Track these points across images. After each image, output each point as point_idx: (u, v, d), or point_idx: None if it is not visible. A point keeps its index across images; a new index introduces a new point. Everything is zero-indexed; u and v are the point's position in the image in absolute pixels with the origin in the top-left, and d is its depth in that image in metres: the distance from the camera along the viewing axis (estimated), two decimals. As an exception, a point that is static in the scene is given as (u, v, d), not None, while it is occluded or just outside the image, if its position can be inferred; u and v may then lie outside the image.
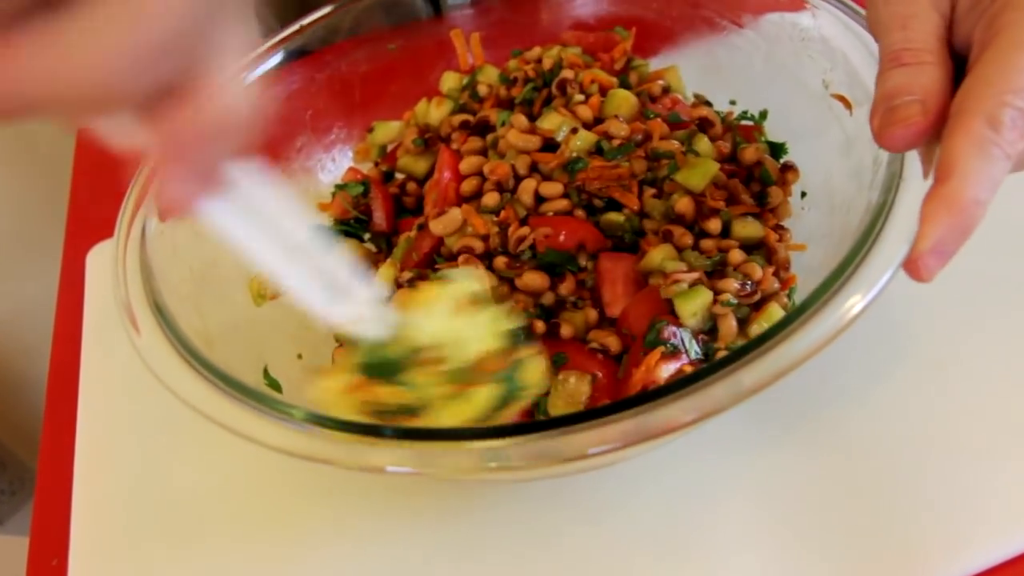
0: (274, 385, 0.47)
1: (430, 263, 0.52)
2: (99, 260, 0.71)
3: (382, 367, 0.35)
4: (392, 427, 0.36)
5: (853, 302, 0.35)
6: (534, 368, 0.38)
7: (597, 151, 0.52)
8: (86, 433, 0.58)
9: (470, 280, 0.39)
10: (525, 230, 0.49)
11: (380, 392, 0.35)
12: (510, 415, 0.37)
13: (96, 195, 0.81)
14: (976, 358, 0.50)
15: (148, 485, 0.54)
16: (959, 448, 0.46)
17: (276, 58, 0.60)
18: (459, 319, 0.37)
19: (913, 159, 0.39)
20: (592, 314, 0.49)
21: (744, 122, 0.58)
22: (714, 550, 0.45)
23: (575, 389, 0.45)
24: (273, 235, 0.32)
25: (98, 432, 0.58)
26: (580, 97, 0.55)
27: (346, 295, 0.34)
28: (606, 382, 0.46)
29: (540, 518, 0.47)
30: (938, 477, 0.45)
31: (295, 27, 0.60)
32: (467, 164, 0.54)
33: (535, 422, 0.35)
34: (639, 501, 0.47)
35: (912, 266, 0.33)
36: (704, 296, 0.45)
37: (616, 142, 0.52)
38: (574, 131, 0.52)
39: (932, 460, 0.46)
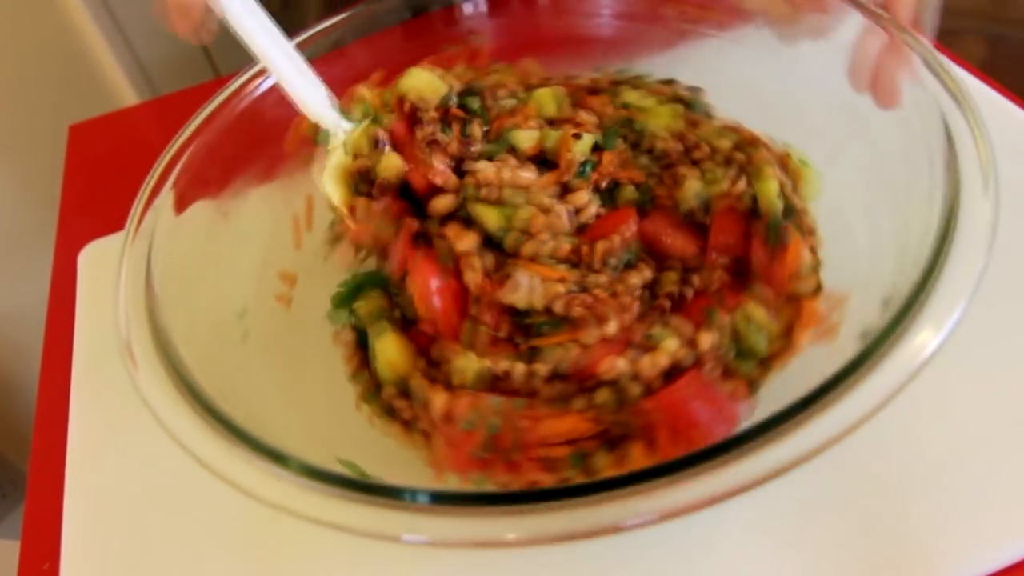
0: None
1: (522, 330, 0.45)
2: (91, 260, 0.71)
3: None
4: (415, 489, 0.33)
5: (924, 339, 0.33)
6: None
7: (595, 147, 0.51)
8: (78, 435, 0.58)
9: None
10: (603, 243, 0.46)
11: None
12: None
13: (88, 194, 0.80)
14: (981, 358, 0.50)
15: (142, 487, 0.54)
16: (966, 450, 0.46)
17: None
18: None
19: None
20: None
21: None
22: (714, 555, 0.45)
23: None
24: (273, 34, 0.42)
25: (90, 434, 0.58)
26: (510, 102, 0.53)
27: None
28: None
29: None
30: (945, 479, 0.45)
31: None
32: (472, 276, 0.45)
33: (562, 489, 0.32)
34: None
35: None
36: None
37: (597, 130, 0.51)
38: (577, 136, 0.49)
39: (939, 462, 0.46)
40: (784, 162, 0.50)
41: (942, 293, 0.35)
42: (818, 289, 0.44)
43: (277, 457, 0.35)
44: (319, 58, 0.54)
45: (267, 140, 0.55)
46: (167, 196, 0.49)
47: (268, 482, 0.35)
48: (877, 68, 0.45)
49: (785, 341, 0.43)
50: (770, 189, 0.46)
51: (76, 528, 0.52)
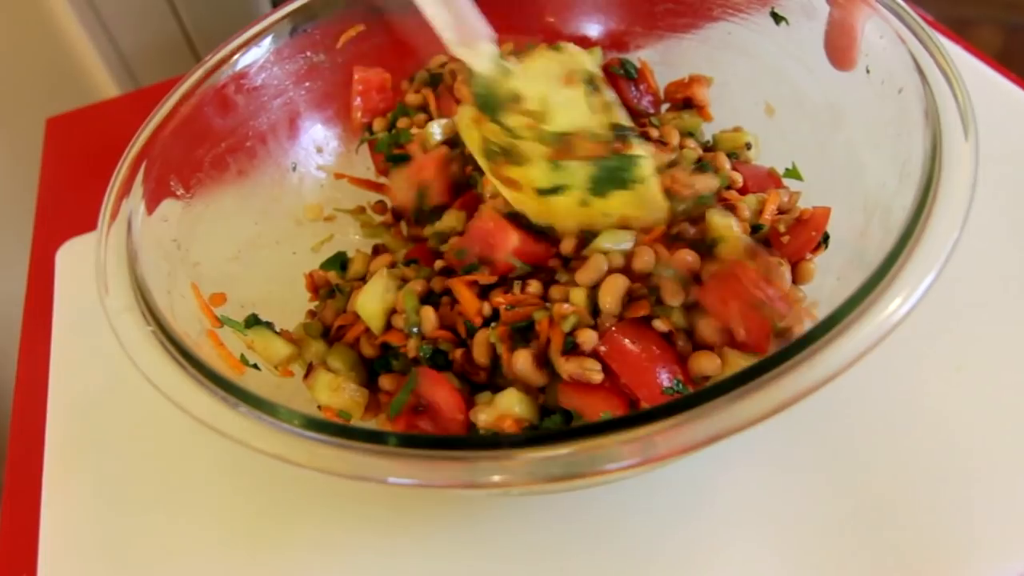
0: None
1: None
2: (70, 258, 0.70)
3: (487, 102, 0.41)
4: (396, 435, 0.35)
5: (896, 306, 0.34)
6: (644, 166, 0.42)
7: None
8: (56, 441, 0.57)
9: (588, 57, 0.45)
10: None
11: (488, 128, 0.41)
12: (610, 203, 0.42)
13: (66, 191, 0.80)
14: (991, 360, 0.50)
15: (120, 496, 0.53)
16: (978, 452, 0.46)
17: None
18: (565, 90, 0.42)
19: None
20: None
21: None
22: (717, 564, 0.44)
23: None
24: None
25: (68, 440, 0.57)
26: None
27: (472, 32, 0.41)
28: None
29: (537, 533, 0.47)
30: (952, 482, 0.45)
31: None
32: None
33: (544, 433, 0.34)
34: (639, 519, 0.47)
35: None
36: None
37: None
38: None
39: (948, 465, 0.46)
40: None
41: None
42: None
43: (270, 408, 0.38)
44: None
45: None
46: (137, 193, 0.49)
47: (262, 433, 0.37)
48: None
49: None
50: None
51: (53, 537, 0.52)
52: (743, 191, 0.52)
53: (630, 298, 0.45)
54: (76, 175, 0.81)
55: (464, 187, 0.55)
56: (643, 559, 0.45)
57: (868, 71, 0.48)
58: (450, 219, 0.54)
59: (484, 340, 0.46)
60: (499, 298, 0.47)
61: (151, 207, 0.49)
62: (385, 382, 0.49)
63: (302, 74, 0.61)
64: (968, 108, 0.41)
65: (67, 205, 0.78)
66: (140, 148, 0.51)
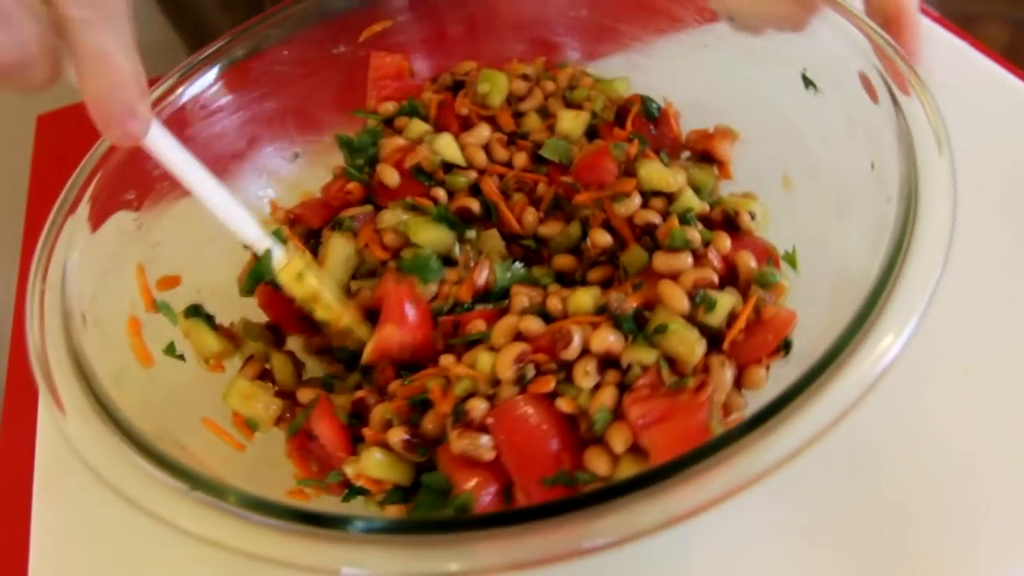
0: None
1: None
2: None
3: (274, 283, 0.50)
4: (364, 519, 0.34)
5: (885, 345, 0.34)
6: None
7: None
8: (46, 440, 0.56)
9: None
10: None
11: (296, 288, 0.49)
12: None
13: (58, 189, 0.78)
14: (999, 363, 0.50)
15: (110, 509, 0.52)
16: (985, 454, 0.46)
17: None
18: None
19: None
20: None
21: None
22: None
23: None
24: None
25: (57, 451, 0.56)
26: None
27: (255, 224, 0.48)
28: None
29: None
30: (960, 485, 0.45)
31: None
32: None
33: (508, 513, 0.33)
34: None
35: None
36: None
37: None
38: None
39: (956, 467, 0.45)
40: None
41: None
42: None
43: (215, 490, 0.36)
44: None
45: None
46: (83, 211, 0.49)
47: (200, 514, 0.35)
48: None
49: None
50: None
51: (45, 552, 0.51)
52: (723, 276, 0.47)
53: (537, 371, 0.43)
54: (68, 172, 0.80)
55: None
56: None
57: (873, 167, 0.45)
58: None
59: (380, 416, 0.45)
60: (393, 385, 0.46)
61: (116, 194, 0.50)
62: (302, 395, 0.48)
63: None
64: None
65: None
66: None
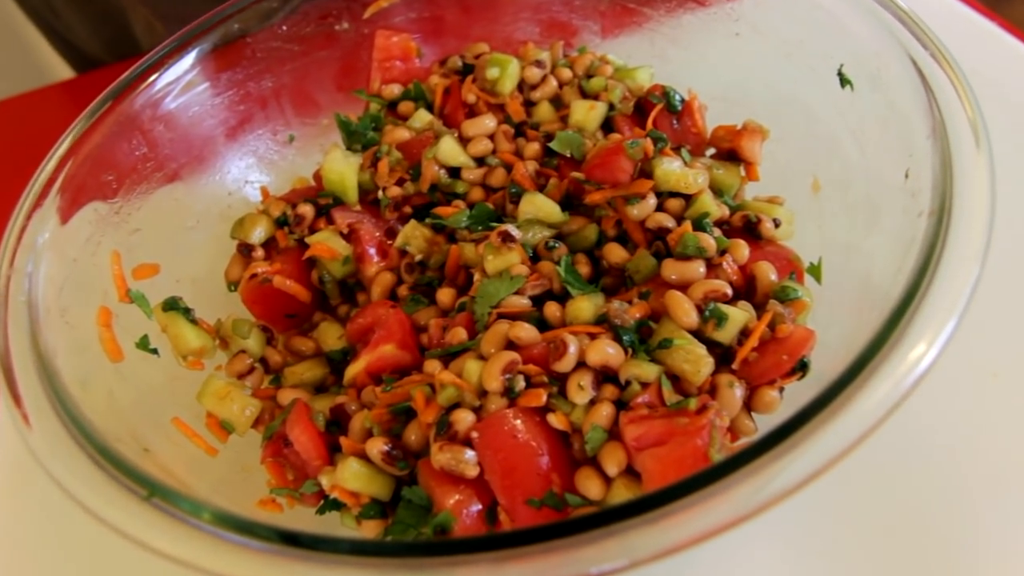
0: None
1: None
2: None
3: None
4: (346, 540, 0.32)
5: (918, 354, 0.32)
6: None
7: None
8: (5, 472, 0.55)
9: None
10: None
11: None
12: None
13: (16, 182, 0.75)
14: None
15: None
16: (1014, 455, 0.45)
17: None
18: None
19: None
20: None
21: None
22: None
23: None
24: None
25: (19, 466, 0.55)
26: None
27: None
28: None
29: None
30: (985, 487, 0.44)
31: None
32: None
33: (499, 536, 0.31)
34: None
35: None
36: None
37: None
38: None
39: (981, 469, 0.45)
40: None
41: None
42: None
43: (191, 508, 0.34)
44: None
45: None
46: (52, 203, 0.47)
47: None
48: None
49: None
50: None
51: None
52: (738, 288, 0.44)
53: (527, 383, 0.40)
54: (28, 164, 0.77)
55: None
56: None
57: (907, 176, 0.42)
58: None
59: (360, 425, 0.43)
60: (367, 392, 0.45)
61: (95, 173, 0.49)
62: (282, 396, 0.47)
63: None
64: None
65: (16, 198, 0.73)
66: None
